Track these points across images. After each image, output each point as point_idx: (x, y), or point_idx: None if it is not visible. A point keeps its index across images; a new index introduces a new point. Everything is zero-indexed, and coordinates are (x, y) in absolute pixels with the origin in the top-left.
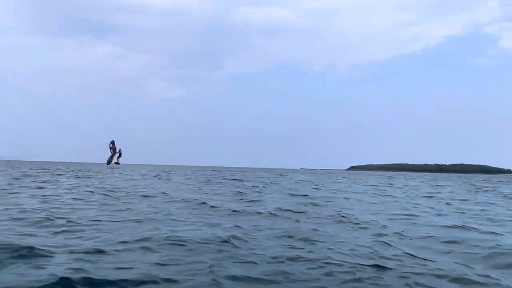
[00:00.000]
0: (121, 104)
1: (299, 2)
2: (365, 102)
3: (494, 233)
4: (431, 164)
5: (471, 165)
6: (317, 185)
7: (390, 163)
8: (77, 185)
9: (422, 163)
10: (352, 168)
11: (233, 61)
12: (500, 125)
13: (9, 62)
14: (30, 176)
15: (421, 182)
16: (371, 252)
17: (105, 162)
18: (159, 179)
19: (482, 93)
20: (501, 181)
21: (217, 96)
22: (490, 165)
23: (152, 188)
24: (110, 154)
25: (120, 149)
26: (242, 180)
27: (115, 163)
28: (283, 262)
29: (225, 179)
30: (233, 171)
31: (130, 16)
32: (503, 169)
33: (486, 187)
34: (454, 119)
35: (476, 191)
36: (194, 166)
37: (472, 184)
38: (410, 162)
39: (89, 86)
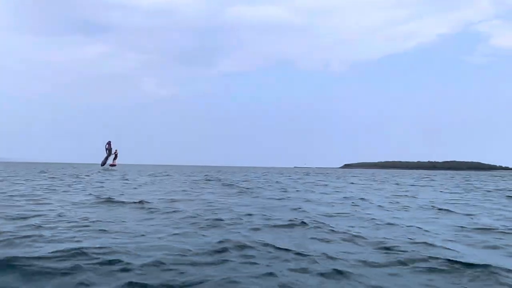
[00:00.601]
0: (114, 103)
1: (293, 0)
2: (360, 99)
3: None
4: (424, 162)
5: (463, 162)
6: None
7: (383, 160)
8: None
9: (415, 161)
10: (346, 166)
11: (227, 59)
12: (493, 122)
13: (1, 60)
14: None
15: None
16: None
17: (100, 163)
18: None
19: (474, 91)
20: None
21: (211, 95)
22: (483, 162)
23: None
24: (105, 155)
25: (116, 150)
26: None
27: (111, 165)
28: None
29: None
30: (217, 170)
31: (123, 14)
32: (495, 165)
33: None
34: (447, 117)
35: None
36: (190, 166)
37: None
38: (404, 160)
39: (82, 85)
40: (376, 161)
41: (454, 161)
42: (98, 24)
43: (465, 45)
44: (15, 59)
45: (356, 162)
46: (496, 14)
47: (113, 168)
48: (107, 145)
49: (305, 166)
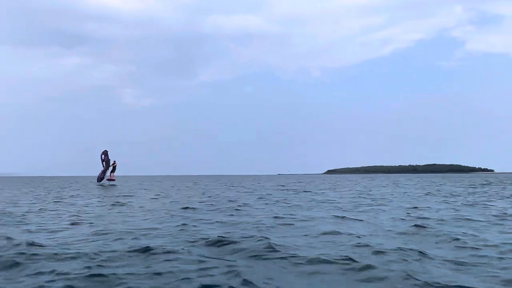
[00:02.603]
0: (93, 115)
1: (271, 9)
2: (340, 106)
3: None
4: (405, 165)
5: (444, 165)
6: None
7: (366, 165)
8: None
9: (397, 165)
10: (329, 172)
11: (207, 69)
12: (471, 125)
13: None
14: None
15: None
16: None
17: (96, 177)
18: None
19: (451, 95)
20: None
21: (192, 105)
22: (463, 164)
23: None
24: (102, 168)
25: (115, 162)
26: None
27: (109, 179)
28: None
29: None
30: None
31: (101, 26)
32: (475, 167)
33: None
34: (427, 121)
35: None
36: (171, 176)
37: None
38: (385, 164)
39: (60, 98)
40: (359, 166)
41: (435, 164)
42: (76, 35)
43: (441, 50)
44: None
45: (339, 167)
46: (470, 20)
47: (112, 183)
48: (103, 156)
49: (288, 173)
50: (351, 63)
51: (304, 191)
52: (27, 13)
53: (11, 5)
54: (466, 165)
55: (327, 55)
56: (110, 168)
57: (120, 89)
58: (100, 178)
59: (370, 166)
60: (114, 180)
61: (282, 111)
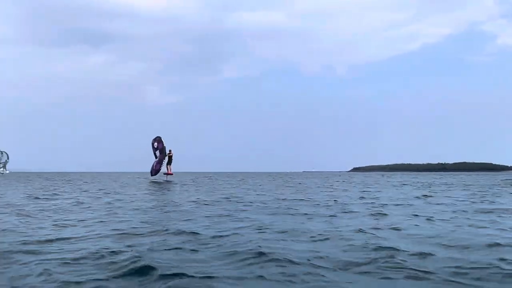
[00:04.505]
0: (119, 111)
1: (293, 5)
2: (366, 102)
3: None
4: (434, 163)
5: (474, 163)
6: None
7: (393, 163)
8: None
9: (425, 163)
10: (355, 169)
11: (230, 65)
12: (503, 122)
13: (4, 72)
14: None
15: None
16: None
17: (149, 171)
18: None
19: (482, 91)
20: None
21: (215, 101)
22: (494, 163)
23: None
24: (155, 159)
25: (170, 151)
26: None
27: (166, 174)
28: None
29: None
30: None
31: (127, 23)
32: (507, 166)
33: None
34: (456, 118)
35: None
36: (195, 172)
37: None
38: (413, 162)
39: (86, 95)
40: (385, 164)
41: (465, 162)
42: (102, 33)
43: (471, 45)
44: (13, 69)
45: (365, 165)
46: (501, 14)
47: (169, 178)
48: (155, 143)
49: (314, 170)
50: (378, 59)
51: None
52: (52, 12)
53: (36, 5)
54: (498, 163)
55: (353, 50)
56: (166, 160)
57: (144, 86)
58: (156, 171)
59: (397, 164)
60: (171, 174)
61: (307, 107)
